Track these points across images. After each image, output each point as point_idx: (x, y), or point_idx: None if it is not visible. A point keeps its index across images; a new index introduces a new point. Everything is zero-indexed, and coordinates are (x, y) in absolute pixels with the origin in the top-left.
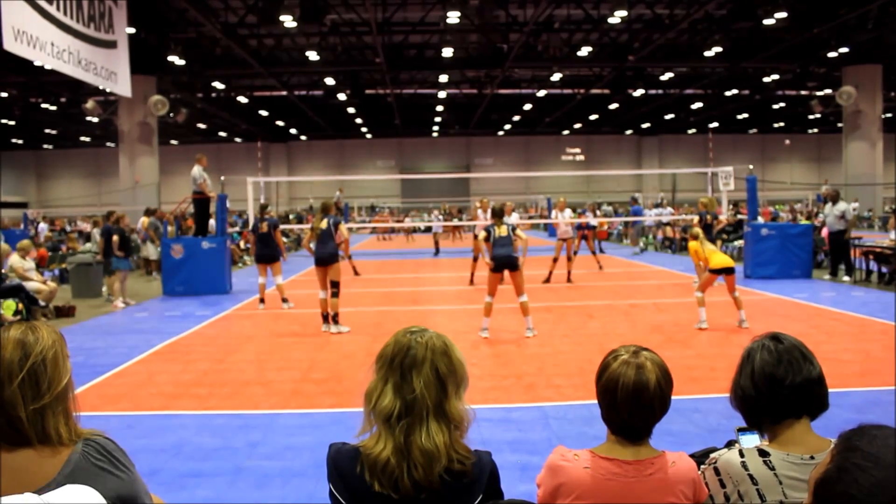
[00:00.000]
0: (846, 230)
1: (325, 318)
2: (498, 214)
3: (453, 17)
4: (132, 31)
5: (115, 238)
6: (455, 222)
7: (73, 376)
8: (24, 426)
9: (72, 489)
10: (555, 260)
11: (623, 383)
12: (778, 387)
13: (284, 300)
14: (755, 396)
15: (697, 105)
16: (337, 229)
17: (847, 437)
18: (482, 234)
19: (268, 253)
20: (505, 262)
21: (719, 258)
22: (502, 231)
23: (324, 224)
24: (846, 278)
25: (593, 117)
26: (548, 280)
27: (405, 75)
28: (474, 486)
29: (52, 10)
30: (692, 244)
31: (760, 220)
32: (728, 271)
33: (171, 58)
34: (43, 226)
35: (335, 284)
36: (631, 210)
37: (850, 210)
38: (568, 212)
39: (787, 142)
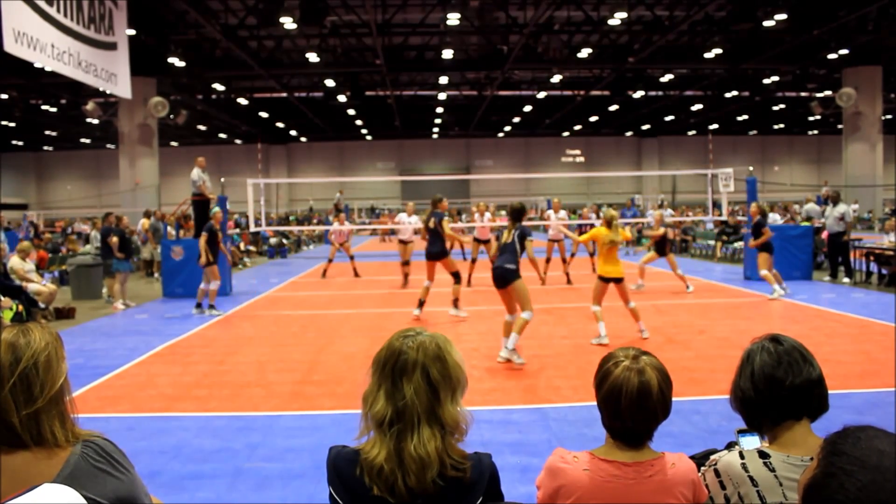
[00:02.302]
0: (846, 232)
1: (421, 304)
2: (515, 217)
3: (453, 18)
4: (132, 32)
5: (115, 239)
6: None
7: (72, 378)
8: (19, 430)
9: (48, 489)
10: (547, 260)
11: (627, 391)
12: (778, 388)
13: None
14: (755, 398)
15: (697, 107)
16: (440, 227)
17: (832, 440)
18: (493, 243)
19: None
20: (496, 276)
21: (612, 267)
22: (507, 237)
23: (431, 223)
24: (846, 280)
25: (593, 119)
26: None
27: (405, 77)
28: (474, 488)
29: (52, 11)
30: (600, 229)
31: (779, 220)
32: (617, 280)
33: (171, 59)
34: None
35: (455, 275)
36: (623, 211)
37: (849, 212)
38: (562, 213)
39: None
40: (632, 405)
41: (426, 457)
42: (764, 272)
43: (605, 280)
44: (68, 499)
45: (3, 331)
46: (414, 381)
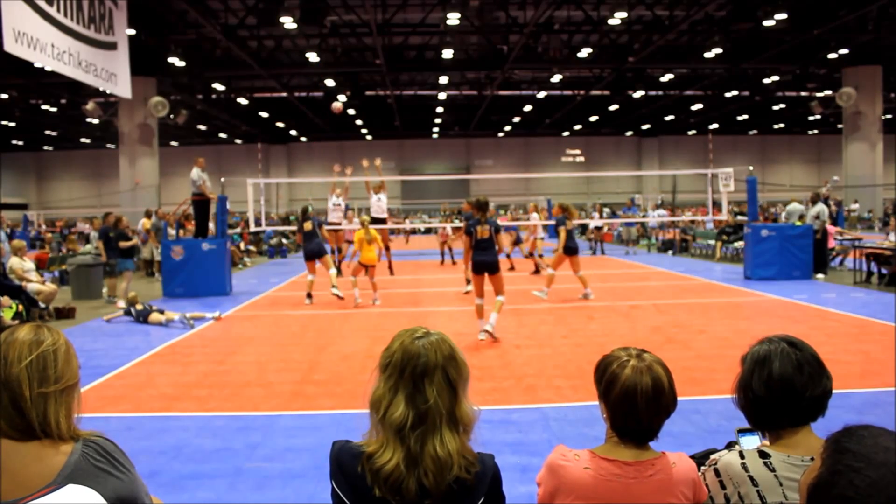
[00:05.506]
0: (818, 230)
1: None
2: (482, 208)
3: (453, 18)
4: (132, 32)
5: (100, 243)
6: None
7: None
8: (27, 406)
9: (72, 490)
10: (540, 255)
11: (641, 390)
12: (796, 397)
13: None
14: (768, 401)
15: (697, 106)
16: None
17: (835, 439)
18: (465, 237)
19: (314, 248)
20: (483, 266)
21: (371, 255)
22: (484, 232)
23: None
24: (819, 276)
25: (593, 118)
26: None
27: (405, 77)
28: (476, 489)
29: (52, 11)
30: (360, 233)
31: (800, 212)
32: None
33: (171, 59)
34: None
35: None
36: (624, 211)
37: (824, 211)
38: (535, 215)
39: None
40: (648, 404)
41: (447, 458)
42: (549, 270)
43: (362, 264)
44: (90, 499)
45: (26, 325)
46: (436, 384)
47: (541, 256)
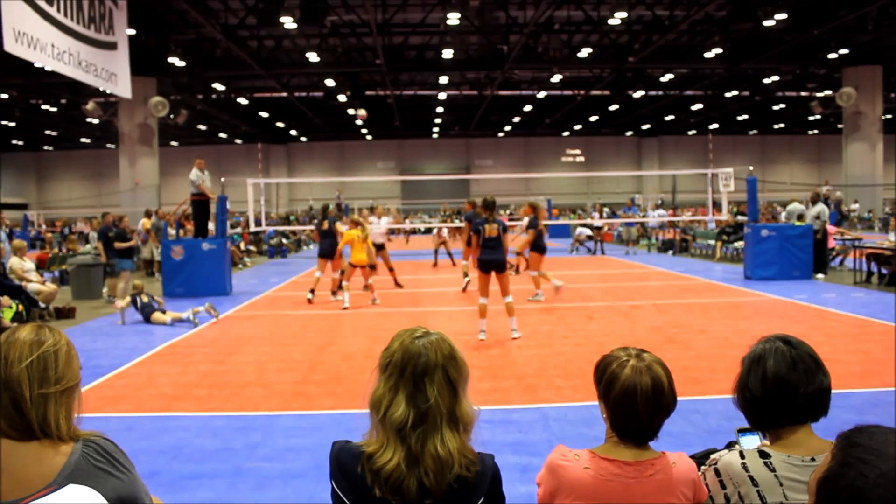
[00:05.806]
0: (818, 230)
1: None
2: (490, 207)
3: (453, 18)
4: (132, 32)
5: (99, 244)
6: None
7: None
8: (27, 406)
9: (73, 490)
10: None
11: (641, 390)
12: (791, 395)
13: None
14: (764, 401)
15: (697, 106)
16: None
17: (846, 435)
18: (473, 235)
19: (327, 248)
20: (491, 264)
21: (362, 255)
22: (492, 231)
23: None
24: (819, 276)
25: (593, 118)
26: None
27: (405, 77)
28: (477, 488)
29: (52, 11)
30: (354, 232)
31: (799, 212)
32: (367, 267)
33: (171, 59)
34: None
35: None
36: (624, 210)
37: (825, 212)
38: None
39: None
40: (648, 404)
41: (447, 457)
42: (532, 273)
43: (352, 265)
44: (91, 499)
45: (28, 325)
46: (437, 383)
47: (519, 254)
